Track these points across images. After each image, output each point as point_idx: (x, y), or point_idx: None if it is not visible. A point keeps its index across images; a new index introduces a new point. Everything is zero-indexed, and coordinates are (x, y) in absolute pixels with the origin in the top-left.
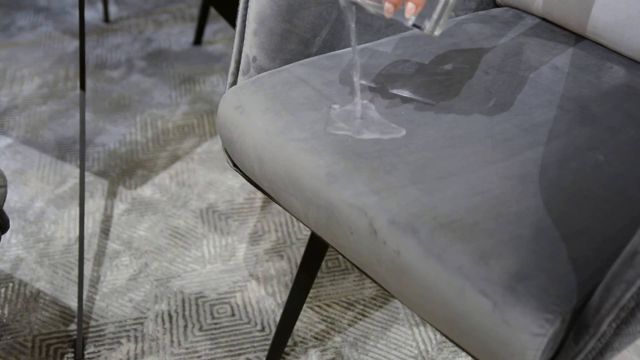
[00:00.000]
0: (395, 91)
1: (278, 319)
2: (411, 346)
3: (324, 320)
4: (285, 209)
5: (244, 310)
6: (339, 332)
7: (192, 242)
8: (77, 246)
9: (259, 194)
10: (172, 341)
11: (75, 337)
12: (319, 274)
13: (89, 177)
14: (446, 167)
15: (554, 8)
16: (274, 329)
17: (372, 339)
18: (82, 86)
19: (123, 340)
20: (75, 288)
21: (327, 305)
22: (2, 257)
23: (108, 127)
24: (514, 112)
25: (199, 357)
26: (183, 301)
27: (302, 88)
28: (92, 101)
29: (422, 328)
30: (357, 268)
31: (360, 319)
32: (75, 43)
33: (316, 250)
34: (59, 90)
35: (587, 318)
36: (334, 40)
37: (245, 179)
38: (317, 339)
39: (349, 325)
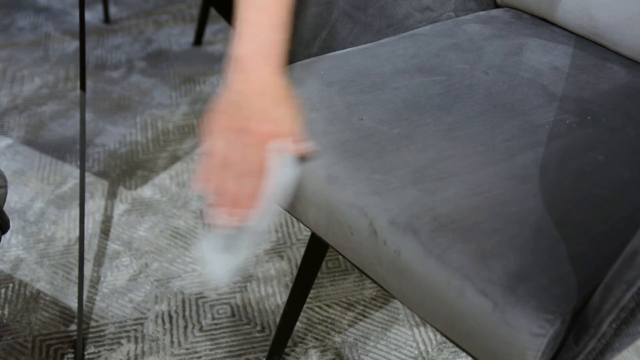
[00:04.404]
0: (394, 91)
1: (278, 319)
2: (411, 347)
3: (324, 321)
4: (285, 209)
5: (244, 311)
6: (339, 332)
7: (192, 243)
8: (77, 247)
9: None
10: (172, 342)
11: (75, 337)
12: (319, 275)
13: (89, 178)
14: (446, 167)
15: (554, 8)
16: (274, 330)
17: (372, 340)
18: (83, 87)
19: (123, 341)
20: (75, 288)
21: (327, 305)
22: (2, 257)
23: (108, 127)
24: (514, 112)
25: (199, 357)
26: (183, 302)
27: (302, 88)
28: (92, 102)
29: (422, 328)
30: (357, 268)
31: (361, 320)
32: (76, 43)
33: (316, 250)
34: (59, 91)
35: (587, 318)
36: (333, 40)
37: None
38: (317, 339)
39: (349, 325)
